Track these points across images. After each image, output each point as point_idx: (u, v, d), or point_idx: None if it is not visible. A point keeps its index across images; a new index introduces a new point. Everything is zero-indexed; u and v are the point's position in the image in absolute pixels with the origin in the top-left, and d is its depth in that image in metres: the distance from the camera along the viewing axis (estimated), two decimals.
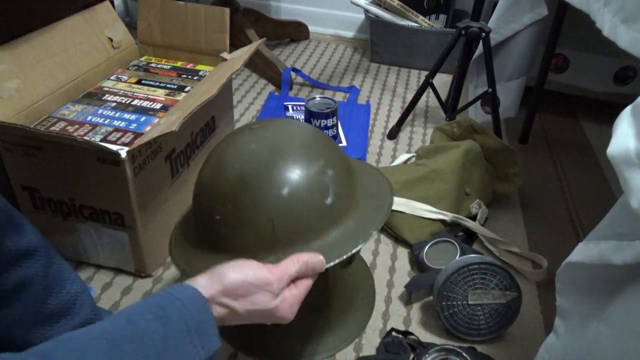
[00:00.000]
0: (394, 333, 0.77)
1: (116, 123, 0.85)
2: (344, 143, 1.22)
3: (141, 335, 0.44)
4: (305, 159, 0.55)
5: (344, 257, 0.54)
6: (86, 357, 0.40)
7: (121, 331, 0.43)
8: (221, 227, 0.56)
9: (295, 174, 0.54)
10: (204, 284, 0.51)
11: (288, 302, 0.55)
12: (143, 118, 0.87)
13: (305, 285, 0.56)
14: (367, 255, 0.92)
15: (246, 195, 0.54)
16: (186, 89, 0.98)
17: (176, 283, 0.53)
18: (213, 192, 0.57)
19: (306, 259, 0.55)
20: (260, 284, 0.52)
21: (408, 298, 0.84)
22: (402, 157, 1.16)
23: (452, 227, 0.96)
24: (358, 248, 0.55)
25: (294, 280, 0.56)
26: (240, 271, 0.52)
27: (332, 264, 0.55)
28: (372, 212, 0.59)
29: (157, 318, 0.45)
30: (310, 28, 1.91)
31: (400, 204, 0.94)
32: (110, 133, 0.82)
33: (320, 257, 0.55)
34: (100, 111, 0.88)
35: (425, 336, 0.78)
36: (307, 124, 0.65)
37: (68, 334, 0.43)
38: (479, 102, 1.23)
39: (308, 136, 0.59)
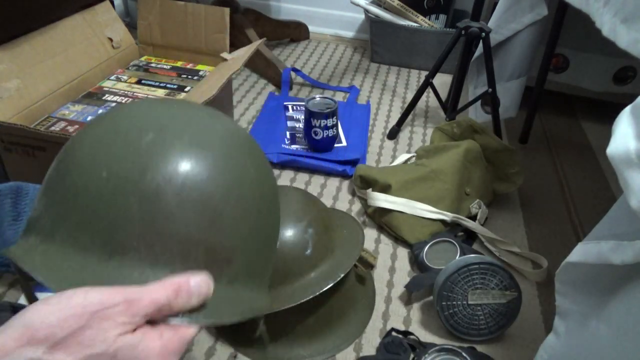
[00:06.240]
0: (394, 333, 0.77)
1: None
2: (344, 143, 1.22)
3: None
4: (294, 221, 0.72)
5: (317, 293, 0.68)
6: None
7: None
8: None
9: (284, 233, 0.71)
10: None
11: (159, 344, 0.34)
12: None
13: (182, 334, 0.35)
14: None
15: None
16: (186, 89, 0.98)
17: None
18: None
19: (180, 283, 0.35)
20: (95, 309, 0.32)
21: (408, 298, 0.84)
22: (402, 157, 1.16)
23: (452, 227, 0.96)
24: (329, 286, 0.69)
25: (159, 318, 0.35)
26: (55, 301, 0.32)
27: (306, 298, 0.68)
28: (343, 258, 0.74)
29: None
30: (310, 28, 1.91)
31: (400, 204, 0.94)
32: None
33: (203, 276, 0.37)
34: (100, 111, 0.88)
35: (425, 336, 0.78)
36: (302, 191, 0.80)
37: None
38: (479, 102, 1.23)
39: (300, 201, 0.76)
